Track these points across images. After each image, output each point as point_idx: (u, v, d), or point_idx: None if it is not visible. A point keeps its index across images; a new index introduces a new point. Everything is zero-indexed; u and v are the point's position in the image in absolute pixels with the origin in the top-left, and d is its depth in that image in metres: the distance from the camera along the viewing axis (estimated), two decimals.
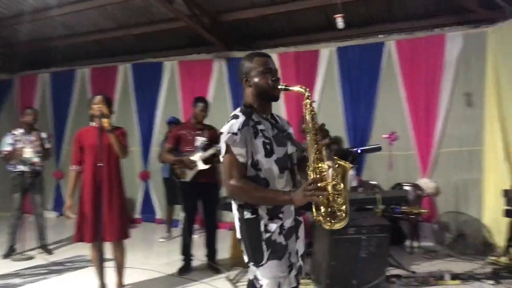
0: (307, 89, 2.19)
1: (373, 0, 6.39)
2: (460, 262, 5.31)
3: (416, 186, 6.31)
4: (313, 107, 2.17)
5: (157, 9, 6.97)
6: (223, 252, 5.49)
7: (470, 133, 6.24)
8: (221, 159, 2.19)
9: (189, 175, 4.96)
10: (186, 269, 5.01)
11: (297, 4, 6.57)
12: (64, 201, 8.67)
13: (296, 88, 2.17)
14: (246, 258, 2.23)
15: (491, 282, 4.59)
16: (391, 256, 5.01)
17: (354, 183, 5.79)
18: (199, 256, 5.24)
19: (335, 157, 2.10)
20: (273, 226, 2.14)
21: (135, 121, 8.32)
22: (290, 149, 2.29)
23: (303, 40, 7.35)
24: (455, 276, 4.63)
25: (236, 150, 2.12)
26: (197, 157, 4.95)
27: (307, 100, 2.16)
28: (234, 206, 2.25)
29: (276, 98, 2.26)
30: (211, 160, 4.98)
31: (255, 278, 2.20)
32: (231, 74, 7.64)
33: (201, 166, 4.94)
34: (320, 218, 2.05)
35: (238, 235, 2.26)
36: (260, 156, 2.16)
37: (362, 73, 6.86)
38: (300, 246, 2.31)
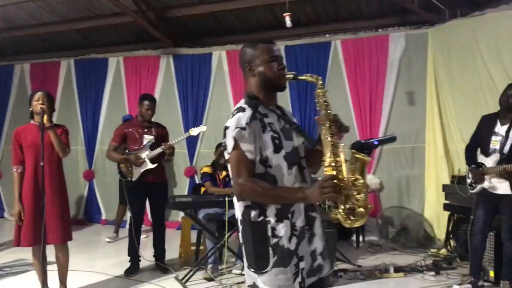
0: (319, 77, 2.08)
1: (320, 0, 6.50)
2: (404, 255, 5.52)
3: None
4: (326, 97, 2.04)
5: (102, 3, 6.76)
6: (172, 252, 5.42)
7: (412, 130, 6.47)
8: (227, 155, 2.02)
9: (135, 174, 4.85)
10: (133, 270, 4.90)
11: (245, 1, 6.59)
12: (3, 201, 8.42)
13: (307, 78, 2.05)
14: (245, 263, 2.06)
15: (432, 273, 4.80)
16: (338, 251, 5.13)
17: None
18: (147, 256, 5.14)
19: (353, 150, 1.97)
20: (281, 230, 1.96)
21: (78, 119, 8.03)
22: (297, 141, 2.12)
23: (252, 38, 7.35)
24: (398, 269, 4.80)
25: (244, 146, 1.95)
26: (144, 155, 4.84)
27: (319, 90, 2.05)
28: (239, 207, 2.05)
29: (283, 88, 2.13)
30: (159, 159, 4.90)
31: (254, 285, 2.02)
32: (178, 70, 7.54)
33: (149, 165, 4.84)
34: (339, 216, 1.89)
35: (241, 239, 2.07)
36: (269, 152, 1.99)
37: (309, 72, 6.86)
38: (318, 244, 2.09)
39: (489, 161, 4.21)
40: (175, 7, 6.93)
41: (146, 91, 7.14)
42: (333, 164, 1.91)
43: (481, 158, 4.33)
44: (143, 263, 5.06)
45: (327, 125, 2.00)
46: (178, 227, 6.74)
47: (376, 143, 2.40)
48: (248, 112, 2.00)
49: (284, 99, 7.01)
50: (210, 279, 4.58)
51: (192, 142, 7.31)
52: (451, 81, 5.89)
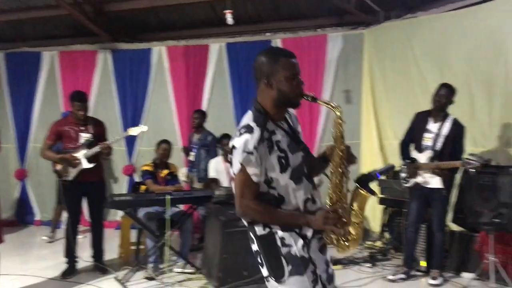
0: (339, 107, 2.03)
1: None
2: None
3: None
4: (343, 128, 2.02)
5: None
6: (111, 252, 5.29)
7: (349, 127, 6.48)
8: (233, 175, 2.01)
9: (72, 173, 4.68)
10: (70, 272, 4.73)
11: None
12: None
13: (327, 105, 2.05)
14: (264, 273, 2.06)
15: (368, 265, 5.00)
16: None
17: None
18: (85, 257, 4.99)
19: (357, 184, 2.04)
20: (291, 239, 1.98)
21: (9, 116, 7.63)
22: (304, 150, 2.12)
23: (193, 34, 7.31)
24: (336, 261, 4.95)
25: (251, 170, 1.93)
26: (81, 154, 4.68)
27: (338, 120, 2.02)
28: (245, 222, 2.09)
29: (298, 106, 2.09)
30: (96, 158, 4.75)
31: None
32: (117, 66, 7.34)
33: (85, 164, 4.68)
34: (334, 241, 2.05)
35: (254, 248, 2.08)
36: (275, 174, 1.99)
37: (251, 70, 6.96)
38: (328, 252, 2.16)
39: (422, 157, 4.44)
40: (114, 1, 6.75)
41: (82, 87, 6.88)
42: (338, 192, 2.02)
43: (414, 154, 4.55)
44: (80, 264, 4.92)
45: (340, 155, 2.02)
46: (117, 226, 6.58)
47: (378, 176, 2.55)
48: (256, 134, 1.94)
49: (227, 96, 7.05)
50: (151, 279, 4.53)
51: (131, 140, 7.13)
52: (385, 80, 6.14)
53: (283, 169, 1.98)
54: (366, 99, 6.46)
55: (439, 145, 4.36)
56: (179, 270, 4.72)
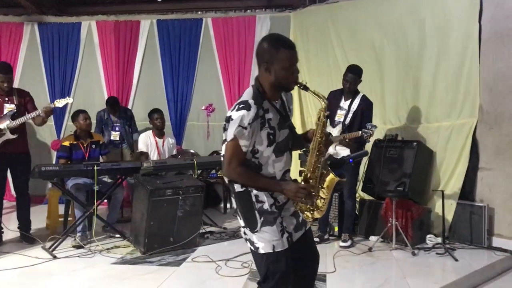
0: (325, 99, 2.26)
1: None
2: None
3: None
4: (325, 119, 2.26)
5: None
6: (39, 224, 5.33)
7: None
8: (224, 144, 2.22)
9: None
10: None
11: None
12: None
13: (316, 94, 2.26)
14: (241, 223, 2.33)
15: None
16: (206, 215, 5.48)
17: (174, 152, 6.08)
18: (12, 228, 5.00)
19: (329, 168, 2.27)
20: (264, 197, 2.25)
21: None
22: (290, 127, 2.34)
23: (124, 10, 7.30)
24: None
25: (242, 142, 2.16)
26: (4, 125, 4.66)
27: (322, 112, 2.25)
28: (226, 179, 2.33)
29: (291, 90, 2.33)
30: (21, 129, 4.74)
31: (251, 240, 2.30)
32: (44, 39, 7.23)
33: (9, 135, 4.67)
34: (302, 209, 2.30)
35: (234, 205, 2.35)
36: (262, 147, 2.23)
37: (182, 47, 7.13)
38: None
39: (335, 131, 4.84)
40: None
41: (8, 59, 6.76)
42: (311, 170, 2.26)
43: (328, 129, 4.93)
44: (7, 235, 4.93)
45: (319, 140, 2.26)
46: (45, 201, 6.56)
47: (350, 161, 2.78)
48: (252, 111, 2.14)
49: (158, 72, 7.14)
50: (79, 247, 4.63)
51: (60, 115, 7.11)
52: (309, 62, 6.46)
53: (269, 144, 2.24)
54: None
55: (348, 120, 4.78)
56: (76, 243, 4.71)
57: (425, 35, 5.28)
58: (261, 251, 2.25)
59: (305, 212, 2.30)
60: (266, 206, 2.24)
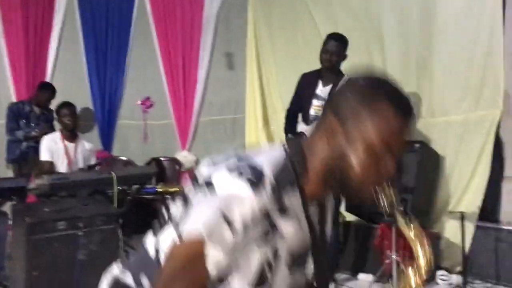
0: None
1: None
2: None
3: (174, 160, 5.48)
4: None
5: None
6: None
7: (232, 99, 5.70)
8: (174, 236, 1.04)
9: None
10: None
11: None
12: None
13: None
14: None
15: None
16: (131, 247, 4.02)
17: (93, 161, 4.60)
18: None
19: None
20: None
21: None
22: (310, 268, 1.20)
23: None
24: None
25: (213, 251, 0.99)
26: None
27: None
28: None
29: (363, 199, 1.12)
30: None
31: None
32: None
33: None
34: None
35: None
36: (239, 284, 1.07)
37: (110, 27, 5.80)
38: None
39: (310, 131, 3.47)
40: None
41: None
42: None
43: (301, 127, 3.65)
44: None
45: None
46: None
47: None
48: (265, 198, 0.98)
49: (78, 58, 5.69)
50: None
51: None
52: (273, 39, 5.20)
53: (257, 284, 1.08)
54: (251, 65, 5.47)
55: None
56: None
57: None
58: None
59: None
60: None
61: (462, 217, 3.42)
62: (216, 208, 0.97)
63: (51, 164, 4.34)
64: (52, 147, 4.40)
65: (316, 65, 3.76)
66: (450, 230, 3.74)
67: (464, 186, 3.78)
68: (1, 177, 4.46)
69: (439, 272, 3.61)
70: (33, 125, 4.99)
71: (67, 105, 4.50)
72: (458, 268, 3.61)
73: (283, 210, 1.04)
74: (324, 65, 3.58)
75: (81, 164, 4.46)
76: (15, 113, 5.03)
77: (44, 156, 4.38)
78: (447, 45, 3.91)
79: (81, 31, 5.71)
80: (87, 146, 4.60)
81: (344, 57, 3.57)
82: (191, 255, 1.01)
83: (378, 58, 4.33)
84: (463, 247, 3.46)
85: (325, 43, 3.58)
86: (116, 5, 5.73)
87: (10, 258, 3.31)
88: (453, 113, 3.90)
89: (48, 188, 3.44)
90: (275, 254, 1.07)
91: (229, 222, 0.97)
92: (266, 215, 1.00)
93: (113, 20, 5.73)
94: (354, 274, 3.80)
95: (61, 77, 5.64)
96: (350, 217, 4.08)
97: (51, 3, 5.66)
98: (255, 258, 1.04)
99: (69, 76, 5.69)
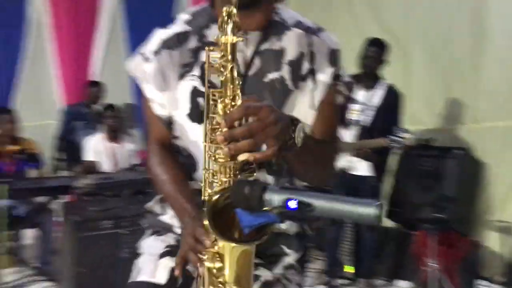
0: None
1: None
2: None
3: None
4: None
5: None
6: None
7: None
8: None
9: None
10: None
11: None
12: None
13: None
14: None
15: None
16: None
17: (135, 161, 4.71)
18: None
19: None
20: None
21: None
22: None
23: None
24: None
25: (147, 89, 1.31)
26: None
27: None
28: None
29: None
30: None
31: None
32: None
33: None
34: None
35: None
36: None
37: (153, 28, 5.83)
38: None
39: (347, 135, 3.48)
40: None
41: None
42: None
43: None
44: None
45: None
46: None
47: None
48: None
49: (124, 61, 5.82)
50: None
51: None
52: None
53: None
54: None
55: (369, 118, 3.39)
56: None
57: None
58: None
59: None
60: None
61: (505, 226, 3.34)
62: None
63: (95, 164, 4.51)
64: (97, 147, 4.56)
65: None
66: (492, 239, 3.63)
67: (506, 195, 3.67)
68: (48, 176, 4.64)
69: (480, 282, 3.53)
70: (92, 125, 5.03)
71: (111, 107, 4.66)
72: (499, 278, 3.51)
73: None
74: (364, 69, 3.54)
75: (124, 164, 4.59)
76: (73, 115, 5.19)
77: (88, 156, 4.55)
78: (496, 50, 3.79)
79: (127, 33, 5.84)
80: (130, 146, 4.73)
81: (382, 62, 3.50)
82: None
83: (419, 63, 4.25)
84: (505, 257, 3.38)
85: (366, 47, 3.53)
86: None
87: (58, 254, 3.46)
88: (496, 118, 3.77)
89: (94, 187, 3.59)
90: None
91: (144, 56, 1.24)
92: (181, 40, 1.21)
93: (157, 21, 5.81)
94: (390, 280, 3.76)
95: (107, 79, 5.79)
96: (387, 223, 4.03)
97: (94, 5, 5.80)
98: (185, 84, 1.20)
99: (115, 78, 5.81)
